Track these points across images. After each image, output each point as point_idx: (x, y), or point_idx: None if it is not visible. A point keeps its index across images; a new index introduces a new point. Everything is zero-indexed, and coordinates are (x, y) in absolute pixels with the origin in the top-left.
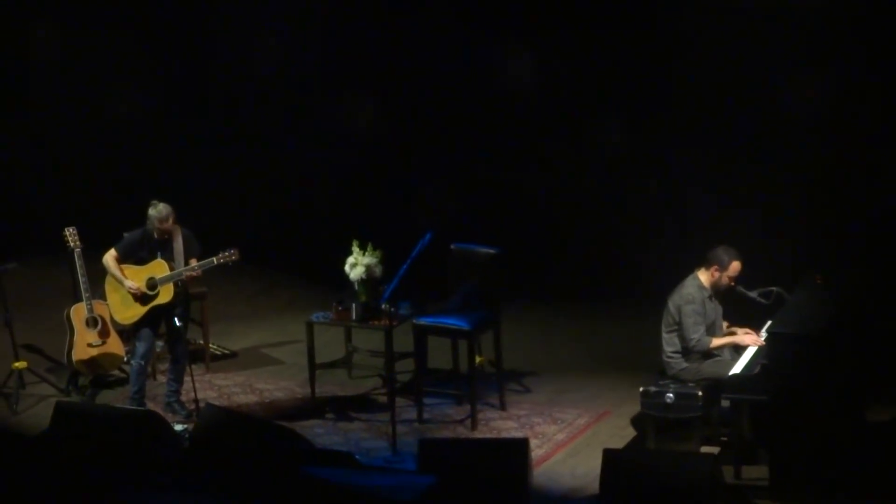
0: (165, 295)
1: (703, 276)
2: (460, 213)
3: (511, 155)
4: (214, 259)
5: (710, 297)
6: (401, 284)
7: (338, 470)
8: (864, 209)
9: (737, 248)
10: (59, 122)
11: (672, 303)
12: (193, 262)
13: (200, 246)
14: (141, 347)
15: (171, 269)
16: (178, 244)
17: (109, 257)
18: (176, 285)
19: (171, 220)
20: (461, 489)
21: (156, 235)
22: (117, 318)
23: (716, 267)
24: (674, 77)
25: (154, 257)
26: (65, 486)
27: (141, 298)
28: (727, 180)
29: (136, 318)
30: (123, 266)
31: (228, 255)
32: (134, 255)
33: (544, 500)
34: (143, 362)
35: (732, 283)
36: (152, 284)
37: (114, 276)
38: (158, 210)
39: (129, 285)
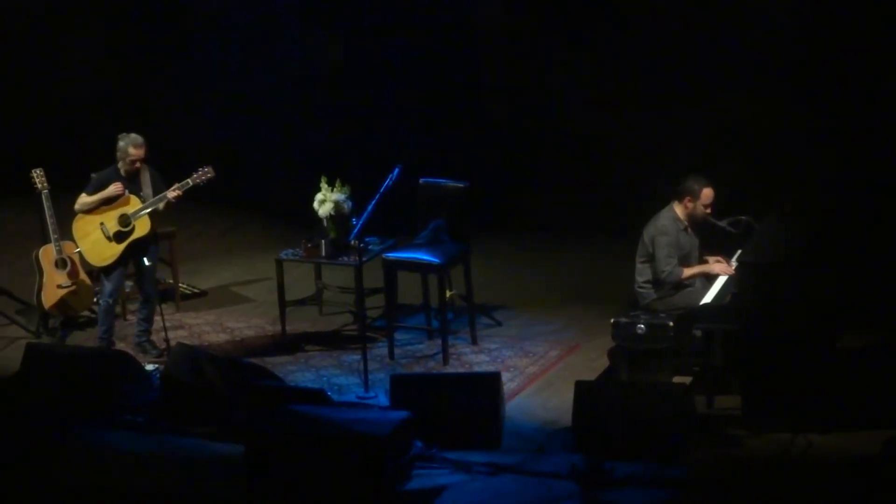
0: (142, 228)
1: (678, 209)
2: (428, 148)
3: (478, 89)
4: (189, 180)
5: (685, 230)
6: (370, 220)
7: (310, 406)
8: (831, 133)
9: (706, 175)
10: (19, 63)
11: (647, 233)
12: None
13: (166, 186)
14: (109, 286)
15: (142, 202)
16: (146, 177)
17: (81, 199)
18: (150, 217)
19: (144, 149)
20: (434, 424)
21: (123, 172)
22: (94, 262)
23: (688, 198)
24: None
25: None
26: (36, 427)
27: (116, 236)
28: (696, 109)
29: (115, 258)
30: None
31: (203, 174)
32: None
33: (517, 433)
34: (110, 300)
35: (709, 211)
36: (126, 221)
37: (94, 201)
38: (132, 138)
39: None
